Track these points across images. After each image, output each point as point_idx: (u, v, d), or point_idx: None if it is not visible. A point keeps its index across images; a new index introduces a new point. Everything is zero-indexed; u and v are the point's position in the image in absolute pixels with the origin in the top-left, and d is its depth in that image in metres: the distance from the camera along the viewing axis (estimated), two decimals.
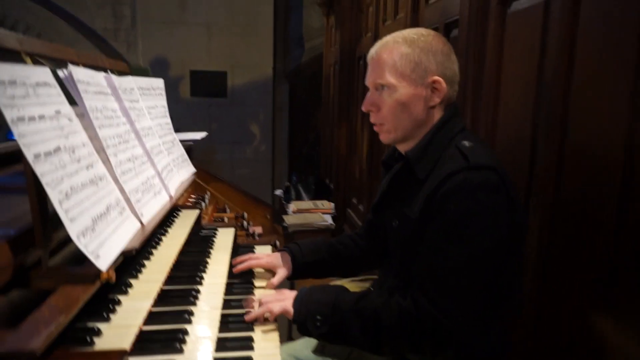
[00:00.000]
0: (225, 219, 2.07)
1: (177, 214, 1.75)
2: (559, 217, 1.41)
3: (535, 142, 1.57)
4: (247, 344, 1.09)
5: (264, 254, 1.55)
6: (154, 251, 1.34)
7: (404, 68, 1.21)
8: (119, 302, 1.02)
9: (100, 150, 1.06)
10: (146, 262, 1.26)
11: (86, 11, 6.19)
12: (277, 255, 1.53)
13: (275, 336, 1.15)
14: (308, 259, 1.52)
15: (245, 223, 2.04)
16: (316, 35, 6.49)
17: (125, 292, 1.08)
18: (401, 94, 1.22)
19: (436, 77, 1.21)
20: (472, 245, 1.08)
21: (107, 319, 0.95)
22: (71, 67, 1.04)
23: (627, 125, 1.16)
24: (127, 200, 1.07)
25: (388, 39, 1.28)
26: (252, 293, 1.36)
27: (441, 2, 2.44)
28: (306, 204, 4.59)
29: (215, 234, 1.75)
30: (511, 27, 1.74)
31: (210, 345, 1.01)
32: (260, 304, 1.22)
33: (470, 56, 1.98)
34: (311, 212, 4.37)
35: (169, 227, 1.59)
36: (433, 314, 1.08)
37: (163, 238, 1.47)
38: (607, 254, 1.19)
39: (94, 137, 1.06)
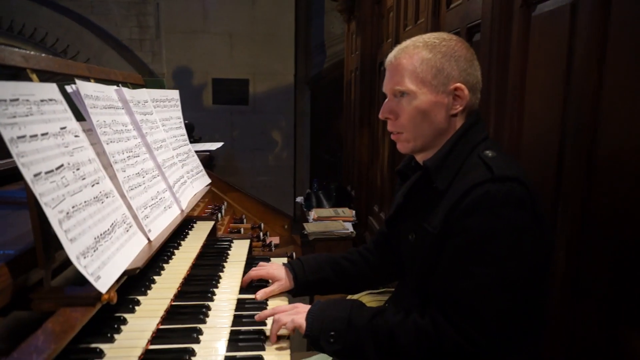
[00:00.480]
0: (242, 230, 2.05)
1: (192, 226, 1.73)
2: (589, 230, 1.33)
3: (562, 151, 1.49)
4: None
5: (266, 264, 1.51)
6: (165, 266, 1.32)
7: (425, 74, 1.15)
8: (124, 321, 1.00)
9: (108, 165, 1.05)
10: (156, 278, 1.24)
11: (112, 22, 6.34)
12: (280, 267, 1.48)
13: (286, 356, 1.11)
14: (310, 278, 1.45)
15: (261, 234, 2.01)
16: (337, 41, 6.47)
17: (132, 310, 1.05)
18: (421, 101, 1.16)
19: (458, 84, 1.15)
20: (497, 265, 1.02)
21: (111, 340, 0.93)
22: (79, 82, 1.03)
23: None
24: (135, 216, 1.05)
25: (408, 43, 1.22)
26: (264, 308, 1.33)
27: (463, 6, 2.37)
28: (327, 211, 4.55)
29: (230, 245, 1.72)
30: (536, 31, 1.67)
31: None
32: (273, 319, 1.18)
33: (493, 61, 1.91)
34: (332, 220, 4.32)
35: (183, 239, 1.57)
36: (454, 338, 1.02)
37: (175, 252, 1.45)
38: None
39: (102, 153, 1.05)
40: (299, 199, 5.28)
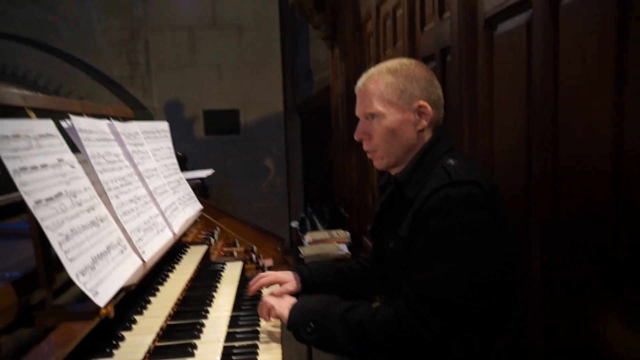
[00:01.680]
0: (235, 253, 2.11)
1: (186, 250, 1.80)
2: (559, 230, 1.41)
3: (529, 159, 1.59)
4: None
5: (273, 272, 1.59)
6: (160, 287, 1.39)
7: (390, 96, 1.28)
8: (122, 338, 1.06)
9: (103, 193, 1.12)
10: (152, 299, 1.30)
11: (103, 61, 6.49)
12: (287, 271, 1.58)
13: None
14: (316, 280, 1.55)
15: (254, 256, 2.07)
16: (323, 68, 6.64)
17: (129, 329, 1.11)
18: (390, 121, 1.28)
19: (422, 102, 1.27)
20: (455, 261, 1.12)
21: (110, 355, 0.99)
22: (73, 117, 1.12)
23: (612, 133, 1.17)
24: (129, 239, 1.12)
25: (373, 70, 1.35)
26: (257, 324, 1.39)
27: (435, 29, 2.50)
28: (322, 234, 4.60)
29: (223, 268, 1.78)
30: (499, 50, 1.78)
31: None
32: (265, 303, 1.33)
33: (463, 80, 2.02)
34: (327, 242, 4.37)
35: (177, 263, 1.64)
36: (414, 325, 1.11)
37: (170, 274, 1.51)
38: (608, 258, 1.19)
39: (97, 181, 1.13)
40: (294, 224, 5.34)
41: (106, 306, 0.87)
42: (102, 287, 0.89)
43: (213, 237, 2.10)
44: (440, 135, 1.32)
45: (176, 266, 1.60)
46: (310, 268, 1.59)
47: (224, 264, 1.83)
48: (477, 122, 1.95)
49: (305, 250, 4.11)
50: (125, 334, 1.09)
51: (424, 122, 1.28)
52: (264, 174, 6.52)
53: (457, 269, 1.11)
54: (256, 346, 1.27)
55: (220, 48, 6.25)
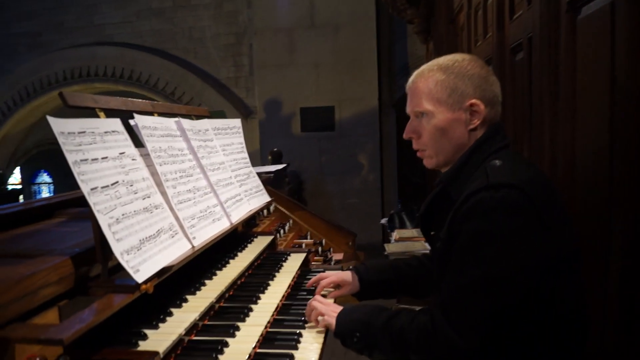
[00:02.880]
0: (304, 245, 2.19)
1: (252, 240, 1.91)
2: None
3: (613, 152, 1.42)
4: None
5: (333, 272, 1.63)
6: (218, 272, 1.51)
7: (440, 94, 1.24)
8: (170, 314, 1.18)
9: (161, 184, 1.26)
10: (207, 282, 1.42)
11: (212, 64, 7.06)
12: (347, 272, 1.61)
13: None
14: (373, 278, 1.57)
15: (320, 249, 2.13)
16: (421, 62, 6.49)
17: (179, 306, 1.24)
18: (439, 120, 1.24)
19: (474, 100, 1.22)
20: (487, 267, 1.06)
21: (156, 327, 1.11)
22: (137, 116, 1.27)
23: None
24: (182, 226, 1.24)
25: (424, 67, 1.31)
26: (303, 314, 1.44)
27: (523, 17, 2.34)
28: (409, 232, 4.53)
29: (286, 258, 1.87)
30: (582, 35, 1.62)
31: (244, 357, 1.11)
32: (314, 308, 1.36)
33: (544, 69, 1.87)
34: (413, 241, 4.29)
35: (241, 251, 1.76)
36: (447, 332, 1.08)
37: (231, 261, 1.63)
38: None
39: (157, 173, 1.26)
40: (383, 221, 5.31)
41: (145, 283, 0.98)
42: (144, 265, 1.01)
43: (283, 229, 2.20)
44: (492, 133, 1.25)
45: (239, 254, 1.72)
46: (368, 266, 1.61)
47: (288, 254, 1.92)
48: (558, 116, 1.79)
49: (391, 248, 4.08)
50: (174, 310, 1.21)
51: (476, 121, 1.23)
52: (357, 170, 6.58)
53: (488, 276, 1.06)
54: (300, 334, 1.32)
55: (317, 47, 6.43)
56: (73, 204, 1.54)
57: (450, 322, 1.09)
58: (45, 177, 10.96)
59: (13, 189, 4.96)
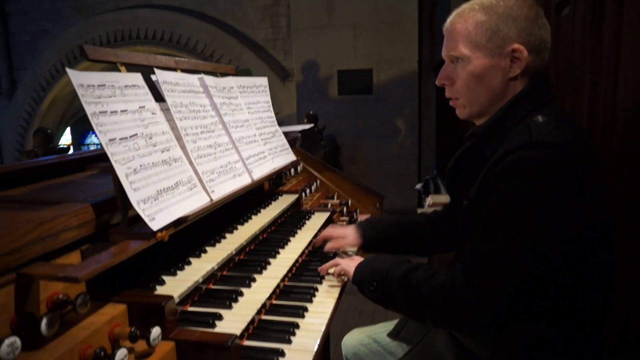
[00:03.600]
0: (330, 205, 2.20)
1: (277, 198, 1.94)
2: None
3: None
4: (297, 311, 1.20)
5: (338, 227, 1.66)
6: (239, 227, 1.55)
7: (479, 37, 1.14)
8: (189, 263, 1.24)
9: (181, 138, 1.28)
10: (228, 235, 1.46)
11: (250, 26, 7.02)
12: (350, 227, 1.62)
13: (322, 321, 1.20)
14: (376, 236, 1.57)
15: (344, 209, 2.14)
16: None
17: (198, 256, 1.29)
18: (475, 66, 1.15)
19: (516, 45, 1.11)
20: (522, 232, 1.00)
21: (174, 274, 1.16)
22: (157, 71, 1.29)
23: None
24: (201, 180, 1.27)
25: (465, 6, 1.20)
26: (316, 268, 1.47)
27: None
28: (443, 197, 4.45)
29: (310, 216, 1.89)
30: None
31: (256, 306, 1.15)
32: (334, 262, 1.40)
33: (588, 27, 1.74)
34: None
35: (264, 207, 1.79)
36: (467, 294, 1.05)
37: (253, 217, 1.67)
38: None
39: (176, 128, 1.29)
40: (418, 186, 5.25)
41: (161, 231, 1.02)
42: (160, 215, 1.05)
43: (310, 189, 2.21)
44: (536, 85, 1.14)
45: (262, 210, 1.75)
46: (372, 223, 1.60)
47: (312, 212, 1.94)
48: (600, 74, 1.68)
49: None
50: (193, 260, 1.26)
51: (517, 70, 1.13)
52: (394, 134, 6.48)
53: (520, 242, 1.00)
54: (316, 288, 1.35)
55: (355, 7, 6.25)
56: (104, 159, 1.61)
57: (471, 286, 1.05)
58: (94, 138, 11.47)
59: (62, 147, 5.22)
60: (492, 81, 1.15)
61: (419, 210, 4.14)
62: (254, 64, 6.84)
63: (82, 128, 11.01)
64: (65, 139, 9.77)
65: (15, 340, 0.75)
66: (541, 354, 1.09)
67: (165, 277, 1.13)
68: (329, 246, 1.56)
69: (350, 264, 1.35)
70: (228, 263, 1.36)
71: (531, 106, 1.12)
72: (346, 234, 1.56)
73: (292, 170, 2.31)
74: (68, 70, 0.99)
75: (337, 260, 1.41)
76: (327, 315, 1.22)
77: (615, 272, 1.12)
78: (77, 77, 1.02)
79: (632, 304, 1.50)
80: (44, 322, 0.81)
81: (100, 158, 1.62)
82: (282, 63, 7.02)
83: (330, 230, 1.63)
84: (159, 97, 1.30)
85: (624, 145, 1.52)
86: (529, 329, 1.07)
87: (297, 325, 1.15)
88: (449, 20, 1.22)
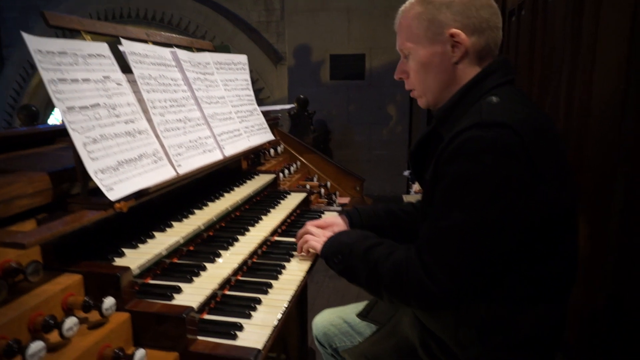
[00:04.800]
0: (308, 187, 2.19)
1: (253, 177, 1.93)
2: None
3: (627, 100, 1.33)
4: (261, 288, 1.20)
5: (323, 219, 1.63)
6: (210, 203, 1.54)
7: (418, 29, 1.17)
8: (152, 237, 1.22)
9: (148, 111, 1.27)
10: (197, 211, 1.45)
11: (243, 8, 6.93)
12: (336, 215, 1.61)
13: (285, 298, 1.19)
14: (365, 223, 1.55)
15: (322, 190, 2.13)
16: None
17: (163, 230, 1.28)
18: (420, 56, 1.18)
19: (453, 30, 1.13)
20: (470, 212, 1.00)
21: (135, 247, 1.15)
22: (124, 41, 1.27)
23: None
24: (167, 153, 1.25)
25: (406, 3, 1.23)
26: (286, 247, 1.46)
27: None
28: None
29: (285, 196, 1.88)
30: None
31: (218, 281, 1.14)
32: (303, 237, 1.42)
33: (569, 11, 1.73)
34: None
35: (238, 186, 1.78)
36: (419, 274, 1.06)
37: (226, 194, 1.66)
38: None
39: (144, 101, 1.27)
40: (406, 173, 5.26)
41: (119, 202, 1.01)
42: (120, 186, 1.04)
43: (289, 170, 2.20)
44: (492, 68, 1.15)
45: (235, 189, 1.74)
46: (360, 211, 1.58)
47: (288, 193, 1.93)
48: (579, 59, 1.67)
49: (408, 199, 4.05)
50: (157, 234, 1.25)
51: (458, 53, 1.14)
52: (385, 121, 6.46)
53: (469, 221, 1.00)
54: (283, 266, 1.35)
55: None
56: None
57: (423, 264, 1.06)
58: None
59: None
60: (438, 68, 1.17)
61: (405, 197, 4.16)
62: (247, 46, 6.76)
63: None
64: (55, 118, 9.66)
65: None
66: (500, 335, 1.09)
67: (125, 250, 1.12)
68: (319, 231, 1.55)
69: (319, 239, 1.37)
70: (195, 239, 1.35)
71: (486, 88, 1.13)
72: (335, 223, 1.55)
73: (272, 151, 2.30)
74: (23, 34, 0.96)
75: (310, 230, 1.41)
76: (291, 292, 1.22)
77: (576, 253, 1.13)
78: (35, 43, 0.99)
79: (593, 285, 1.52)
80: None
81: None
82: (275, 46, 6.94)
83: (316, 222, 1.60)
84: (129, 69, 1.28)
85: (598, 132, 1.52)
86: (488, 309, 1.08)
87: (259, 301, 1.15)
88: (396, 18, 1.25)
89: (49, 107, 8.17)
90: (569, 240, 1.11)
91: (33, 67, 7.75)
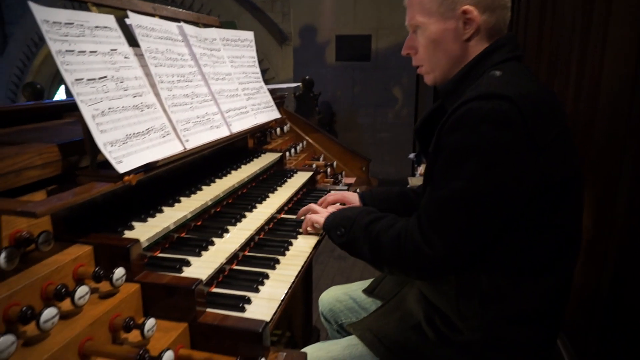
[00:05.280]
0: (315, 166, 2.19)
1: (260, 155, 1.93)
2: None
3: (638, 81, 1.31)
4: (269, 263, 1.21)
5: (340, 192, 1.66)
6: (217, 180, 1.54)
7: (431, 4, 1.17)
8: (161, 211, 1.23)
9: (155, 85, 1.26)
10: (204, 187, 1.46)
11: None
12: (355, 194, 1.62)
13: (292, 273, 1.20)
14: (376, 204, 1.55)
15: (329, 170, 2.13)
16: None
17: (171, 205, 1.28)
18: (431, 32, 1.18)
19: (466, 7, 1.13)
20: (467, 182, 1.02)
21: (144, 220, 1.16)
22: (131, 14, 1.25)
23: None
24: (174, 128, 1.25)
25: None
26: (293, 224, 1.47)
27: None
28: None
29: (292, 175, 1.88)
30: None
31: (226, 255, 1.15)
32: (308, 213, 1.45)
33: None
34: None
35: (245, 164, 1.78)
36: (417, 240, 1.08)
37: (233, 172, 1.66)
38: None
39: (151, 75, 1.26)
40: (411, 155, 5.24)
41: (128, 174, 1.01)
42: (128, 158, 1.04)
43: (295, 149, 2.20)
44: (497, 45, 1.15)
45: (242, 166, 1.74)
46: (374, 193, 1.60)
47: (295, 171, 1.93)
48: (589, 39, 1.64)
49: (413, 181, 4.06)
50: (166, 208, 1.26)
51: (470, 31, 1.14)
52: (391, 103, 6.41)
53: (467, 190, 1.02)
54: (290, 242, 1.36)
55: None
56: None
57: (421, 230, 1.09)
58: None
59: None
60: (449, 44, 1.17)
61: (410, 179, 4.16)
62: (252, 26, 6.68)
63: None
64: (60, 97, 9.64)
65: None
66: (501, 306, 1.10)
67: (135, 223, 1.13)
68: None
69: (321, 214, 1.39)
70: (203, 214, 1.36)
71: (492, 63, 1.14)
72: (351, 200, 1.56)
73: (279, 130, 2.29)
74: (30, 3, 0.95)
75: (309, 217, 1.41)
76: (298, 267, 1.23)
77: (579, 227, 1.13)
78: (42, 13, 0.98)
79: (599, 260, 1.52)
80: (2, 255, 0.81)
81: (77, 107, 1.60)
82: (280, 26, 6.86)
83: (333, 196, 1.60)
84: (135, 43, 1.26)
85: (608, 111, 1.51)
86: (488, 280, 1.09)
87: (266, 276, 1.16)
88: None
89: (54, 85, 8.15)
90: (570, 213, 1.11)
91: (36, 45, 7.71)
